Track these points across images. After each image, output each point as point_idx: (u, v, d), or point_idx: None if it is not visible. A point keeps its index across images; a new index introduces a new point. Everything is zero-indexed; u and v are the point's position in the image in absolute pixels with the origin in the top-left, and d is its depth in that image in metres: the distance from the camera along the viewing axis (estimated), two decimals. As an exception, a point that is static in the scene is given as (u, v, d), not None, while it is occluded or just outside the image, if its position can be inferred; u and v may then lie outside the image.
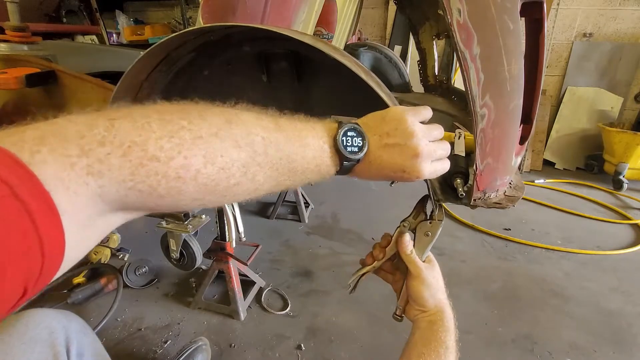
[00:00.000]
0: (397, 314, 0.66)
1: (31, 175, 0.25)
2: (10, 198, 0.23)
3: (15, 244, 0.23)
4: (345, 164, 0.46)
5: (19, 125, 0.28)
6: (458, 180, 0.66)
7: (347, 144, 0.45)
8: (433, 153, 0.49)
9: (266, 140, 0.38)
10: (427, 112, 0.52)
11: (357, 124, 0.47)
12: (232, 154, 0.35)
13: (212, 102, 0.39)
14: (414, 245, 0.64)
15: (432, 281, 0.61)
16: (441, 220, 0.64)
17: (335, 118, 0.48)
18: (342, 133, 0.45)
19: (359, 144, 0.46)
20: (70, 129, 0.29)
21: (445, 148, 0.52)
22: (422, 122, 0.50)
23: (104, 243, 1.91)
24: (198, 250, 1.64)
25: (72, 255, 0.29)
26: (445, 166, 0.52)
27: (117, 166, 0.29)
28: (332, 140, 0.45)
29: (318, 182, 0.48)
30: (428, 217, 0.65)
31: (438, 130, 0.52)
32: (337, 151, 0.45)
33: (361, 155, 0.46)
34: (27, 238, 0.24)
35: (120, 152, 0.29)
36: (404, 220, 0.66)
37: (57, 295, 1.67)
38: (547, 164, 3.86)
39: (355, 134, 0.46)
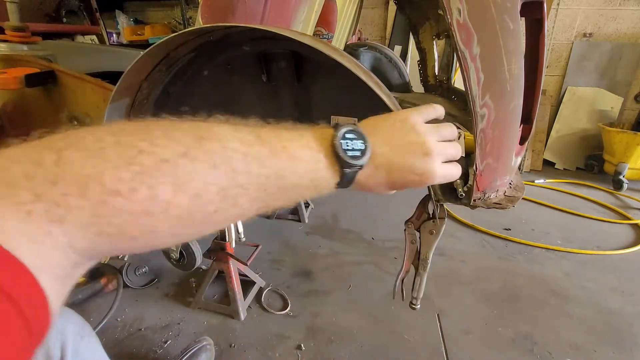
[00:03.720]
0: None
1: None
2: None
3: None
4: (347, 172, 0.38)
5: None
6: (458, 180, 0.66)
7: (347, 147, 0.38)
8: (444, 151, 0.44)
9: (247, 156, 0.33)
10: (433, 111, 0.48)
11: (355, 124, 0.41)
12: (207, 176, 0.30)
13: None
14: (420, 245, 0.66)
15: None
16: (444, 218, 0.65)
17: (333, 119, 0.47)
18: (340, 136, 0.38)
19: (361, 147, 0.39)
20: (15, 170, 0.24)
21: (457, 148, 0.47)
22: (431, 122, 0.47)
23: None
24: (198, 250, 1.64)
25: (56, 308, 0.25)
26: (457, 171, 0.48)
27: (77, 207, 0.24)
28: (330, 147, 0.38)
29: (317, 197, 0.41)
30: (430, 217, 0.66)
31: (448, 130, 0.47)
32: (337, 159, 0.38)
33: (365, 159, 0.39)
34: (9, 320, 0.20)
35: (76, 190, 0.24)
36: (408, 221, 0.67)
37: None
38: (547, 164, 3.86)
39: (355, 136, 0.39)
